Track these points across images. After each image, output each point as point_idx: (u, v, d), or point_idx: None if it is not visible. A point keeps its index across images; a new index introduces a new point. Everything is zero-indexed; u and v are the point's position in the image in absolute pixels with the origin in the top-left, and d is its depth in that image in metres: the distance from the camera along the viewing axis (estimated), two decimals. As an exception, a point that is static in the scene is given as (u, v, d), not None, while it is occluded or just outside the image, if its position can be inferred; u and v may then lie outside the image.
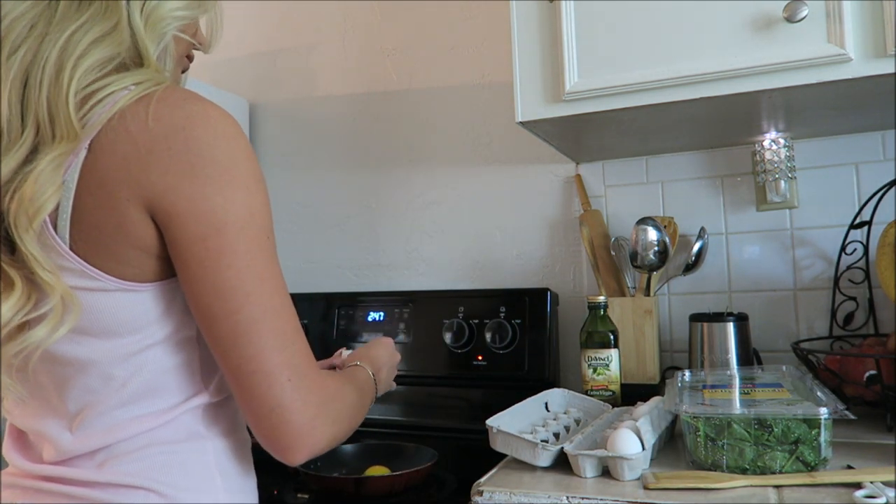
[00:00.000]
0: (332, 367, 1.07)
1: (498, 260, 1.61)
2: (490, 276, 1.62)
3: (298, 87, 1.83)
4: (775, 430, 0.84)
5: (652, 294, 1.36)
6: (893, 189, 1.24)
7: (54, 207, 0.62)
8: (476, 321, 1.44)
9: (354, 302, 1.60)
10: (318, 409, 0.67)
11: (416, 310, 1.52)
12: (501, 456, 0.97)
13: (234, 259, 0.63)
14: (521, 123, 1.18)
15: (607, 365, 1.19)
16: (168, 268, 0.66)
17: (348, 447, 1.18)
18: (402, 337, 1.51)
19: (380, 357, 0.94)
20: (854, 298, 1.31)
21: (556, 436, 1.01)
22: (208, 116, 0.64)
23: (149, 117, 0.62)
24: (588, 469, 0.88)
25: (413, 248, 1.70)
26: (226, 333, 0.64)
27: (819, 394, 0.94)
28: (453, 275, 1.65)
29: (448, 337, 1.44)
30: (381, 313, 1.55)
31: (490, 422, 0.95)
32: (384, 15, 1.74)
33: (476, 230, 1.64)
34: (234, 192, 0.64)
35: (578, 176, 1.53)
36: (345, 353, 1.06)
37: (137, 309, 0.65)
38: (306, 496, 1.07)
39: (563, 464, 0.92)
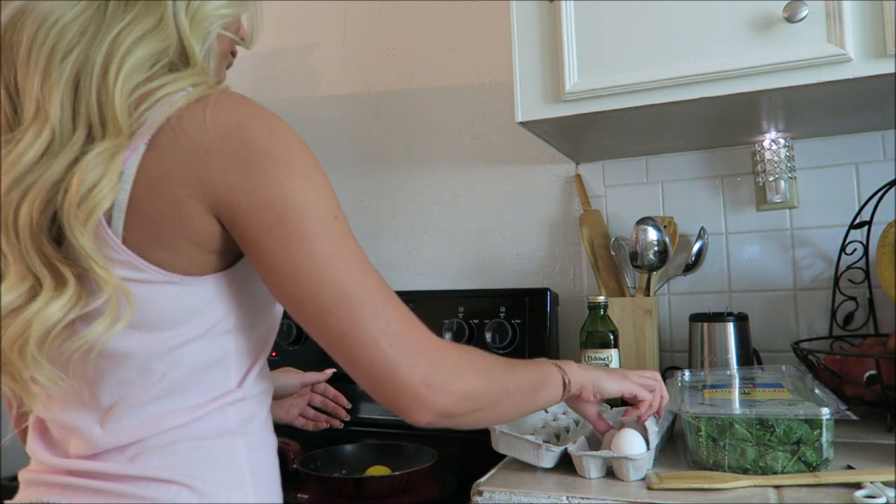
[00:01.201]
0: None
1: (498, 260, 1.61)
2: (490, 276, 1.62)
3: (298, 87, 1.83)
4: (777, 430, 0.84)
5: (652, 294, 1.36)
6: (893, 189, 1.24)
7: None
8: (476, 321, 1.44)
9: (354, 302, 1.59)
10: (429, 368, 0.67)
11: (416, 310, 1.48)
12: (501, 456, 0.97)
13: (302, 244, 0.65)
14: (521, 123, 1.18)
15: (607, 365, 1.19)
16: (217, 262, 0.68)
17: (348, 447, 1.18)
18: (402, 337, 1.51)
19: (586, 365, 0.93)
20: (854, 298, 1.31)
21: (557, 437, 1.01)
22: (261, 116, 0.66)
23: (206, 119, 0.64)
24: (592, 470, 0.88)
25: (413, 248, 1.69)
26: (314, 314, 0.66)
27: (819, 394, 0.94)
28: (453, 275, 1.65)
29: (448, 337, 1.44)
30: (381, 313, 1.54)
31: (491, 422, 0.95)
32: (384, 15, 1.74)
33: (476, 230, 1.64)
34: (292, 180, 0.65)
35: (578, 176, 1.53)
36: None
37: (181, 302, 0.66)
38: (306, 496, 1.07)
39: (563, 464, 0.91)
